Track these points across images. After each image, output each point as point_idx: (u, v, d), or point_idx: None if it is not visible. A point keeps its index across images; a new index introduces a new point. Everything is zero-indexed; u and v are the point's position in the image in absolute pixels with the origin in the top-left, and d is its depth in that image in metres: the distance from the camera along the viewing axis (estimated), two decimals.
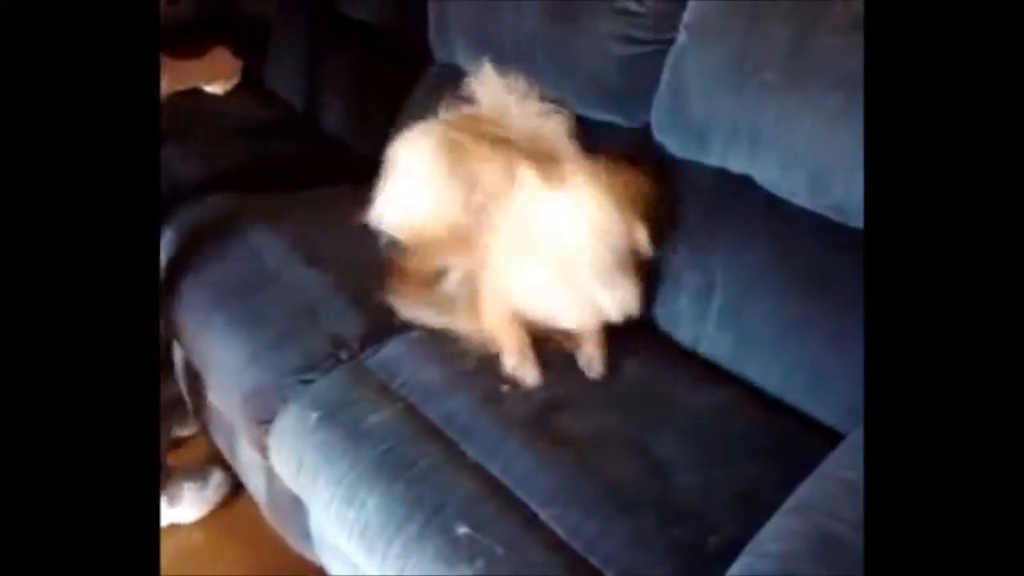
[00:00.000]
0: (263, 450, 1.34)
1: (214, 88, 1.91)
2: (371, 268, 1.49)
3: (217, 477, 1.75)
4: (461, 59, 1.89)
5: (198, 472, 1.75)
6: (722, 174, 1.46)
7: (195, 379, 1.67)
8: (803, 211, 1.34)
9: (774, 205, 1.38)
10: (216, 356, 1.44)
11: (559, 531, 1.06)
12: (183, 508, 1.70)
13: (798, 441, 1.21)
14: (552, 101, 1.65)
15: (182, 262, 1.61)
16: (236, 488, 1.75)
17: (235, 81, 1.90)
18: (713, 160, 1.47)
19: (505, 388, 1.26)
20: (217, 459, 1.76)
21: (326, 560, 1.37)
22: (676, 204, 1.47)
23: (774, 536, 0.93)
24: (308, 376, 1.32)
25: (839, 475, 0.99)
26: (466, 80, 1.71)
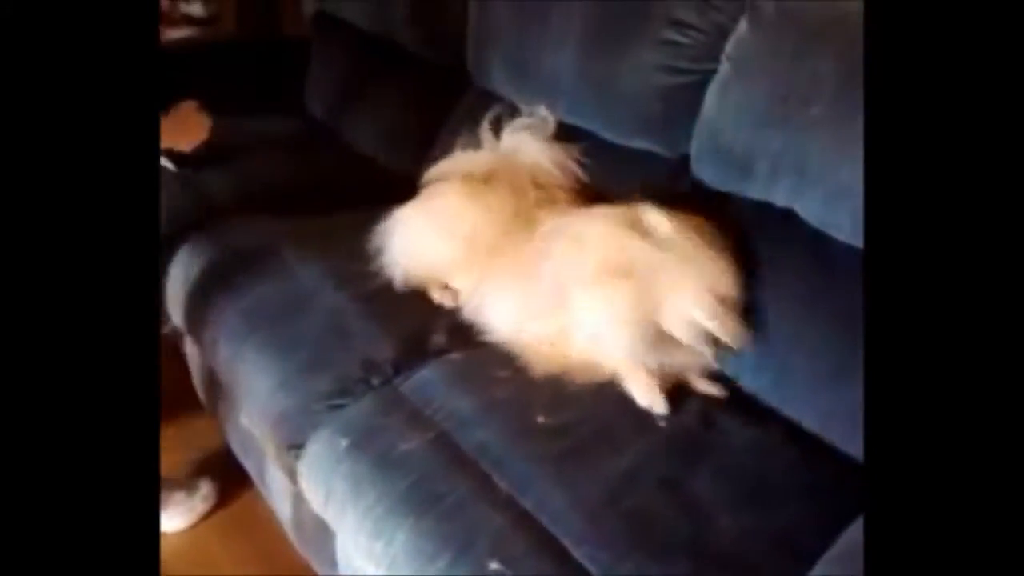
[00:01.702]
0: (292, 475, 1.32)
1: (180, 147, 1.73)
2: (405, 293, 1.49)
3: (204, 488, 1.75)
4: (499, 86, 1.90)
5: (186, 481, 1.74)
6: (764, 207, 1.43)
7: (213, 384, 1.69)
8: (847, 247, 1.31)
9: (818, 241, 1.35)
10: (248, 380, 1.43)
11: (593, 572, 1.03)
12: (169, 517, 1.69)
13: (838, 483, 1.17)
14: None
15: (218, 284, 1.61)
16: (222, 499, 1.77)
17: (203, 139, 1.68)
18: (755, 193, 1.44)
19: (541, 419, 1.23)
20: (205, 470, 1.77)
21: None
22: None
23: None
24: (339, 401, 1.31)
25: None
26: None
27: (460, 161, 1.70)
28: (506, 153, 1.67)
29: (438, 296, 1.51)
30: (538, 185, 1.58)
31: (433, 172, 1.71)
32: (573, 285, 1.31)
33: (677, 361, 1.31)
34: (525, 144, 1.66)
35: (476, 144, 1.73)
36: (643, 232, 1.31)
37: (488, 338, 1.43)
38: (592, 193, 1.61)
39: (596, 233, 1.33)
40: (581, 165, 1.66)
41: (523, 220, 1.48)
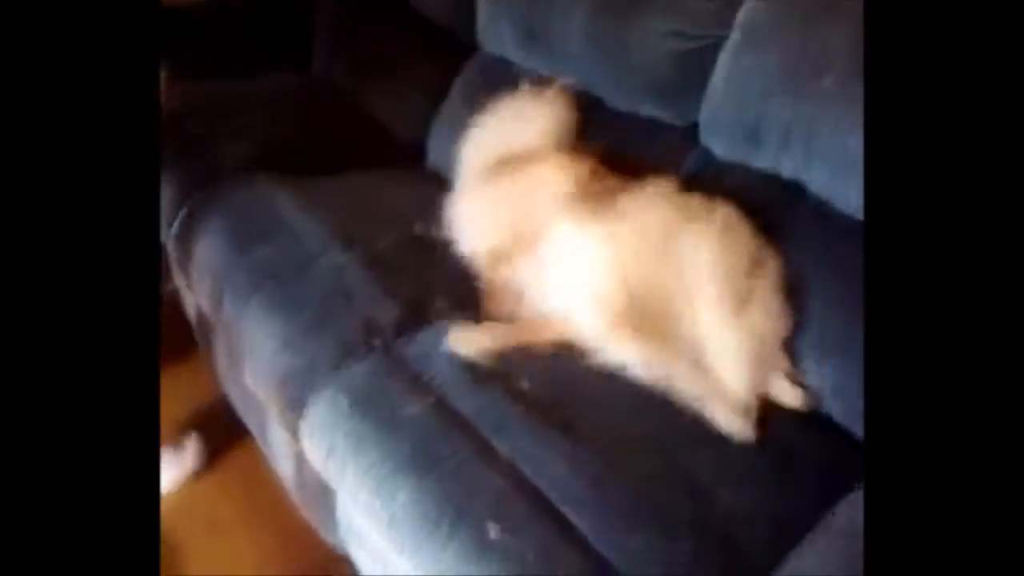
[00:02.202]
0: (295, 433, 1.34)
1: None
2: (410, 256, 1.49)
3: (193, 445, 1.76)
4: (510, 51, 1.87)
5: (174, 439, 1.75)
6: (772, 178, 1.43)
7: (214, 342, 1.70)
8: (854, 222, 1.30)
9: (824, 213, 1.35)
10: (252, 339, 1.44)
11: (594, 541, 1.03)
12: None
13: (840, 460, 1.18)
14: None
15: (223, 243, 1.61)
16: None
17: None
18: (763, 163, 1.43)
19: (525, 385, 1.24)
20: (194, 424, 1.78)
21: (352, 549, 1.37)
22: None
23: (812, 557, 0.91)
24: (343, 362, 1.32)
25: None
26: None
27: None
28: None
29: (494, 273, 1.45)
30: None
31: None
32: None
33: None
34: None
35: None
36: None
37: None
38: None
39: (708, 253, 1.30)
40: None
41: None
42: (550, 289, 1.37)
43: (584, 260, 1.34)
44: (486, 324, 1.29)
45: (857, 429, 1.24)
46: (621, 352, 1.25)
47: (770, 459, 1.18)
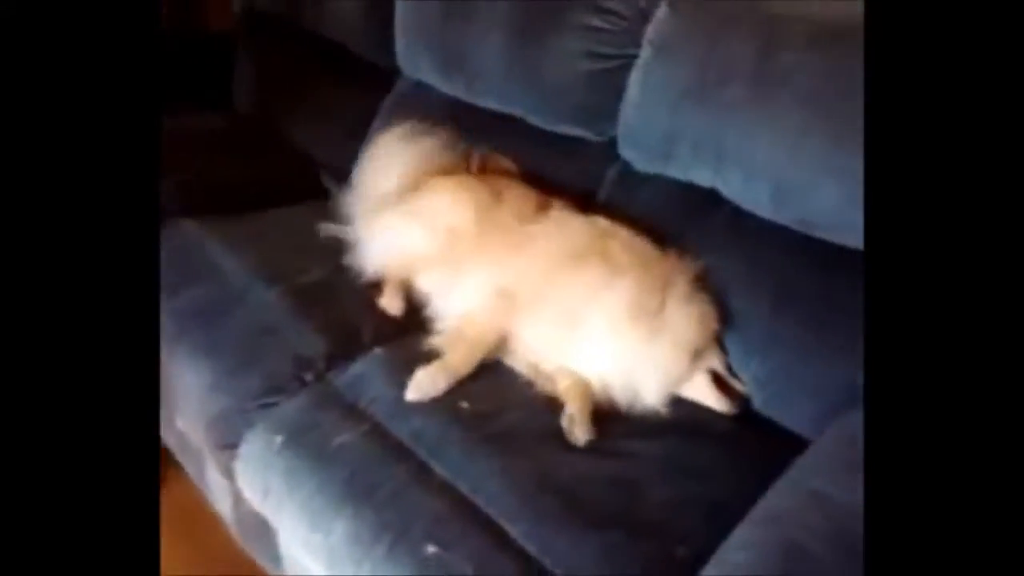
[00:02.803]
0: (229, 474, 1.31)
1: None
2: (336, 287, 1.48)
3: None
4: (429, 77, 1.90)
5: None
6: (688, 187, 1.47)
7: None
8: (768, 223, 1.35)
9: (739, 218, 1.39)
10: (182, 383, 1.41)
11: (529, 548, 1.05)
12: None
13: (767, 450, 1.21)
14: None
15: None
16: None
17: None
18: (678, 174, 1.48)
19: (464, 405, 1.25)
20: None
21: None
22: (642, 216, 1.48)
23: (740, 546, 0.94)
24: (272, 399, 1.30)
25: (806, 484, 1.00)
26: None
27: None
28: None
29: (386, 301, 1.49)
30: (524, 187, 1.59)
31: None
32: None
33: None
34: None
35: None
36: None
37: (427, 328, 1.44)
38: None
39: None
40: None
41: (500, 224, 1.49)
42: (454, 301, 1.42)
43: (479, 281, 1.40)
44: (434, 365, 1.29)
45: (780, 419, 1.28)
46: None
47: (700, 452, 1.21)
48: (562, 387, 1.28)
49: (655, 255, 1.37)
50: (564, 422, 1.21)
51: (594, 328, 1.31)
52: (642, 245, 1.39)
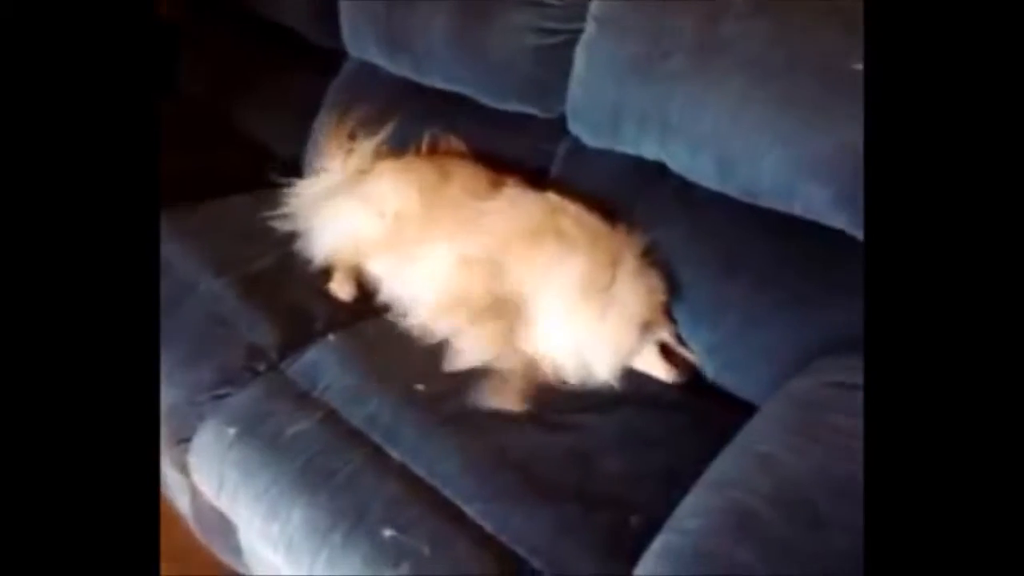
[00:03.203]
0: (184, 469, 1.30)
1: None
2: (287, 275, 1.47)
3: None
4: (375, 57, 1.87)
5: None
6: (636, 161, 1.47)
7: None
8: (714, 194, 1.36)
9: (686, 189, 1.40)
10: None
11: (485, 526, 1.06)
12: None
13: (717, 416, 1.23)
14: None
15: None
16: None
17: None
18: (627, 148, 1.48)
19: (420, 387, 1.25)
20: None
21: (259, 573, 1.34)
22: (592, 192, 1.48)
23: (691, 512, 0.95)
24: (224, 391, 1.29)
25: (753, 449, 1.02)
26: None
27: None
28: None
29: (336, 287, 1.48)
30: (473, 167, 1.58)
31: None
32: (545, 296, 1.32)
33: None
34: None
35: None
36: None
37: (386, 314, 1.43)
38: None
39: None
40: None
41: (464, 197, 1.49)
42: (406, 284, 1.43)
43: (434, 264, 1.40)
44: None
45: (731, 386, 1.31)
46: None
47: (653, 422, 1.23)
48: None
49: (604, 230, 1.37)
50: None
51: (547, 306, 1.31)
52: (592, 221, 1.40)
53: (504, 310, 1.32)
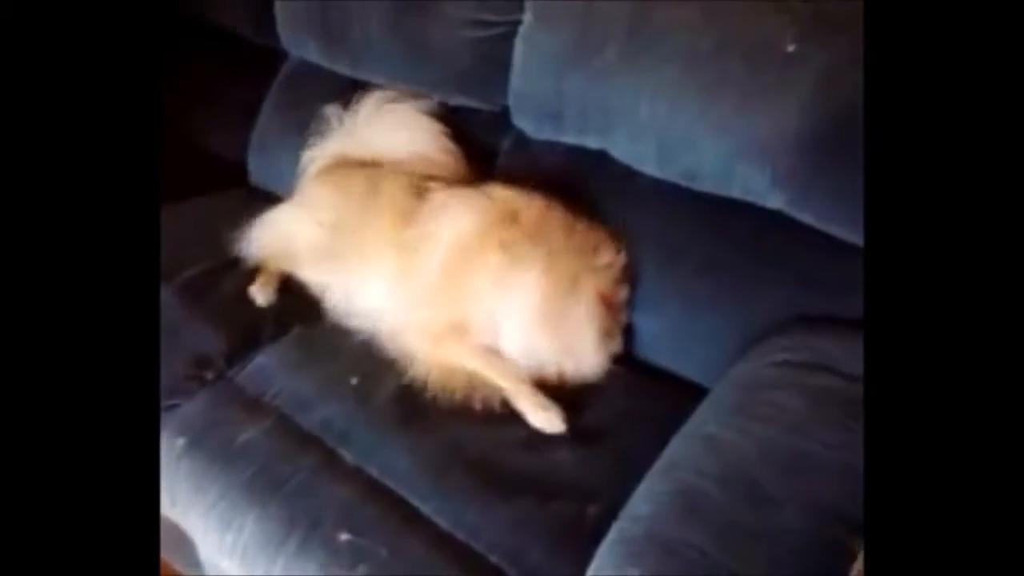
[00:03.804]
0: None
1: None
2: (231, 281, 1.45)
3: None
4: (313, 55, 1.84)
5: None
6: (579, 151, 1.48)
7: None
8: (656, 181, 1.37)
9: (629, 177, 1.41)
10: None
11: (441, 524, 1.06)
12: None
13: (668, 401, 1.24)
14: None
15: None
16: None
17: None
18: (569, 138, 1.48)
19: (353, 381, 1.25)
20: None
21: None
22: (539, 185, 1.48)
23: (643, 499, 0.97)
24: (172, 401, 1.27)
25: (700, 432, 1.04)
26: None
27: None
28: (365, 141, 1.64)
29: (255, 290, 1.46)
30: (403, 174, 1.55)
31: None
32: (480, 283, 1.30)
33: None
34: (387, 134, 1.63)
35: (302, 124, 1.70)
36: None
37: (337, 321, 1.42)
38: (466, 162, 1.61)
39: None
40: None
41: (396, 205, 1.46)
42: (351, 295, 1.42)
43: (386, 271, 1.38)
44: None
45: (679, 370, 1.32)
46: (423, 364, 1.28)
47: (604, 410, 1.24)
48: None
49: (555, 226, 1.33)
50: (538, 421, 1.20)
51: (504, 323, 1.29)
52: (540, 217, 1.35)
53: (461, 329, 1.31)
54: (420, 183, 1.49)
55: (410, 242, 1.38)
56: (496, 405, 1.23)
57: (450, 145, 1.61)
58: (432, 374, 1.26)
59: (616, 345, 1.31)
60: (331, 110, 1.67)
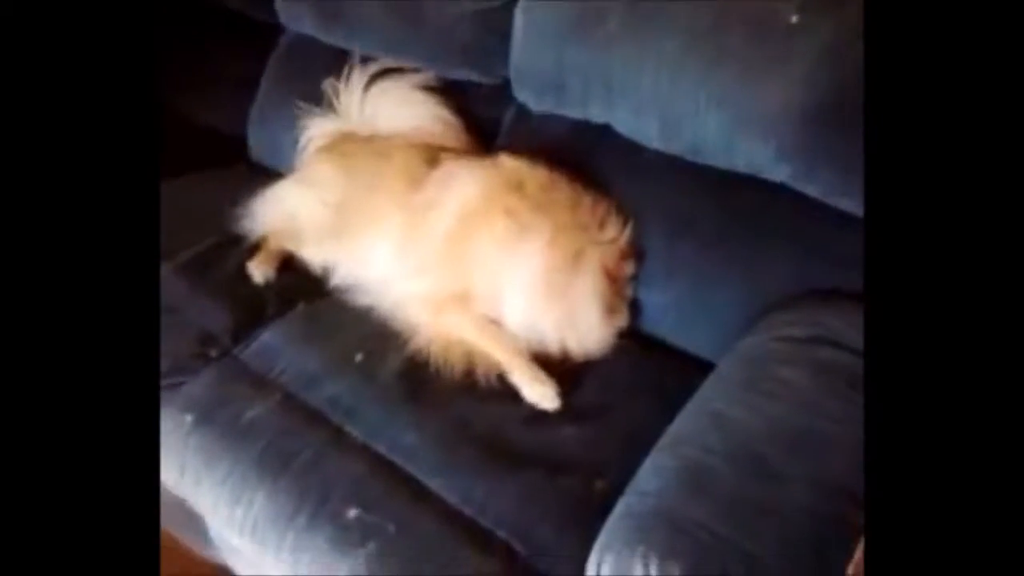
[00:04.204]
0: None
1: None
2: (235, 258, 1.44)
3: None
4: (311, 28, 1.82)
5: None
6: (582, 125, 1.46)
7: None
8: (660, 155, 1.36)
9: (633, 151, 1.40)
10: None
11: (449, 500, 1.07)
12: None
13: (674, 375, 1.25)
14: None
15: None
16: None
17: None
18: (572, 112, 1.47)
19: (359, 357, 1.25)
20: None
21: (231, 561, 1.34)
22: (542, 158, 1.47)
23: (650, 474, 0.97)
24: (178, 379, 1.27)
25: (707, 408, 1.04)
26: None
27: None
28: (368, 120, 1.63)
29: (253, 267, 1.46)
30: (411, 145, 1.54)
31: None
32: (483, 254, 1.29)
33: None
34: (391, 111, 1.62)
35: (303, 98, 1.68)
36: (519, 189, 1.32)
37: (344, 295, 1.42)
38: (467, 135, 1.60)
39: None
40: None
41: (408, 171, 1.46)
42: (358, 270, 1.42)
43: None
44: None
45: (686, 345, 1.33)
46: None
47: (611, 385, 1.24)
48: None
49: (562, 199, 1.32)
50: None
51: (508, 293, 1.29)
52: (547, 187, 1.34)
53: (464, 299, 1.31)
54: (430, 152, 1.48)
55: (418, 207, 1.37)
56: (494, 379, 1.23)
57: (450, 118, 1.60)
58: (433, 346, 1.26)
59: (621, 320, 1.31)
60: (328, 85, 1.66)
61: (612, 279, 1.29)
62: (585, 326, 1.28)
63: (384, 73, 1.65)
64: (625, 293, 1.32)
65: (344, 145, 1.58)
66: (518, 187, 1.32)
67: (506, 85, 1.57)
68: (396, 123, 1.59)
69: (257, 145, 1.92)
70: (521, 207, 1.29)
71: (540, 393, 1.20)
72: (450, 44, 1.59)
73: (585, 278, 1.26)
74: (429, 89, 1.61)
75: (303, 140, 1.66)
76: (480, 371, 1.23)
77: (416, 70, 1.65)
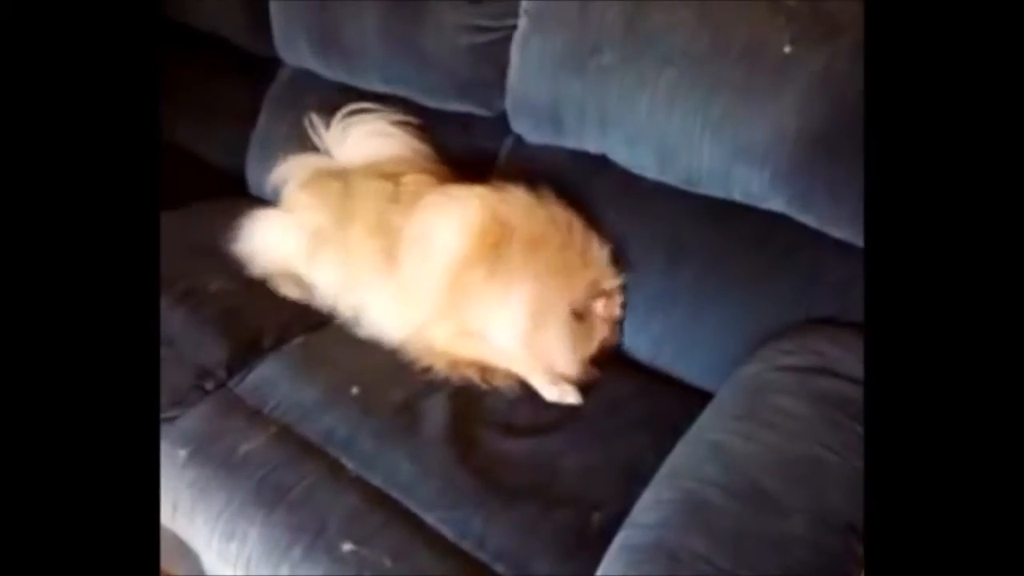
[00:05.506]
0: None
1: None
2: (230, 290, 1.44)
3: None
4: (309, 62, 1.84)
5: None
6: (579, 155, 1.48)
7: None
8: (656, 184, 1.37)
9: (630, 180, 1.41)
10: None
11: (446, 533, 1.06)
12: None
13: (672, 406, 1.24)
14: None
15: None
16: None
17: None
18: (569, 143, 1.48)
19: (355, 390, 1.25)
20: None
21: None
22: (535, 186, 1.48)
23: (648, 506, 0.96)
24: (173, 413, 1.27)
25: (704, 437, 1.03)
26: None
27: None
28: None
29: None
30: (390, 175, 1.55)
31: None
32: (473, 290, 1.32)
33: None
34: (363, 145, 1.64)
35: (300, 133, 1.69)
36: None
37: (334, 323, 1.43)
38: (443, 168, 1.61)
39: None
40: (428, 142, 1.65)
41: (384, 209, 1.47)
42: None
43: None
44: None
45: (683, 374, 1.32)
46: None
47: (609, 417, 1.23)
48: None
49: (546, 236, 1.33)
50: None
51: (497, 335, 1.31)
52: (526, 227, 1.35)
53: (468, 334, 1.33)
54: (394, 180, 1.50)
55: (400, 236, 1.39)
56: (515, 384, 1.27)
57: (420, 146, 1.63)
58: (448, 367, 1.29)
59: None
60: (315, 119, 1.68)
61: (585, 320, 1.31)
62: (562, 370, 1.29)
63: (362, 110, 1.67)
64: (599, 334, 1.33)
65: (321, 178, 1.60)
66: (499, 227, 1.34)
67: (503, 117, 1.59)
68: (362, 157, 1.61)
69: (255, 178, 1.93)
70: (501, 255, 1.32)
71: (560, 391, 1.25)
72: (447, 77, 1.61)
73: (555, 328, 1.28)
74: (405, 124, 1.64)
75: (284, 175, 1.67)
76: (498, 379, 1.27)
77: (405, 103, 1.68)
